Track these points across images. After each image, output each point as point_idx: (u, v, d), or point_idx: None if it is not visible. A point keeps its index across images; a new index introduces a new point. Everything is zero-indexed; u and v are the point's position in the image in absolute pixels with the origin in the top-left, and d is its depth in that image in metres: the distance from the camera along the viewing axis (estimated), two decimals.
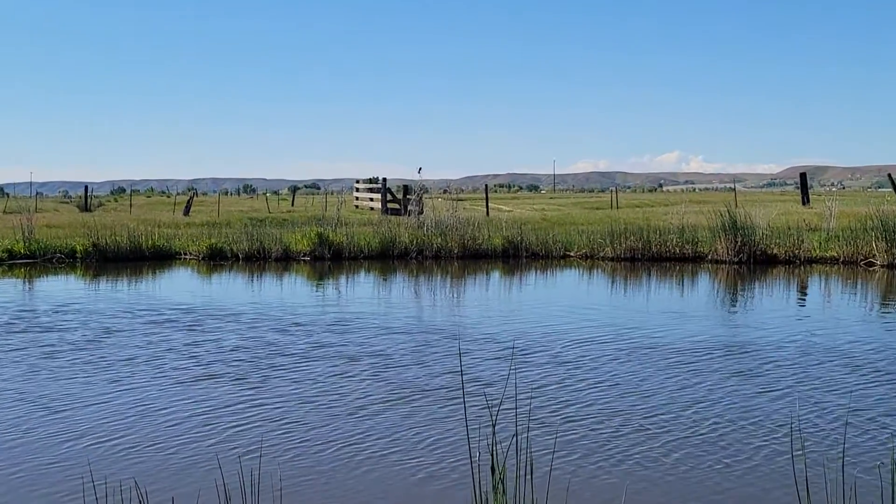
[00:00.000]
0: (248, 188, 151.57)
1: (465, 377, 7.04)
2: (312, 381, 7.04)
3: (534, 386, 6.80)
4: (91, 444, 5.47)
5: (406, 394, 6.62)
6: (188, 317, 10.37)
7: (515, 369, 7.29)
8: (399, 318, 10.41)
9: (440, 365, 7.59)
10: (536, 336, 9.02)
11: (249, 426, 5.81)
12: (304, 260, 17.94)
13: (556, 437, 5.48)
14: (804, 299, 12.60)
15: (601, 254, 17.98)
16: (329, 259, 17.95)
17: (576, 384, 6.92)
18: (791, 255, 16.87)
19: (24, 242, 18.18)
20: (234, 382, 7.02)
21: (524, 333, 9.18)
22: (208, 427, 5.79)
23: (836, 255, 16.75)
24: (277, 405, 6.33)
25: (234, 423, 5.87)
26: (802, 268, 16.21)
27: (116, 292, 13.12)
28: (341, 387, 6.86)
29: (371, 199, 36.96)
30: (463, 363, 7.56)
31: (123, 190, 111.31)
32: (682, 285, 14.13)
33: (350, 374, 7.30)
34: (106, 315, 10.53)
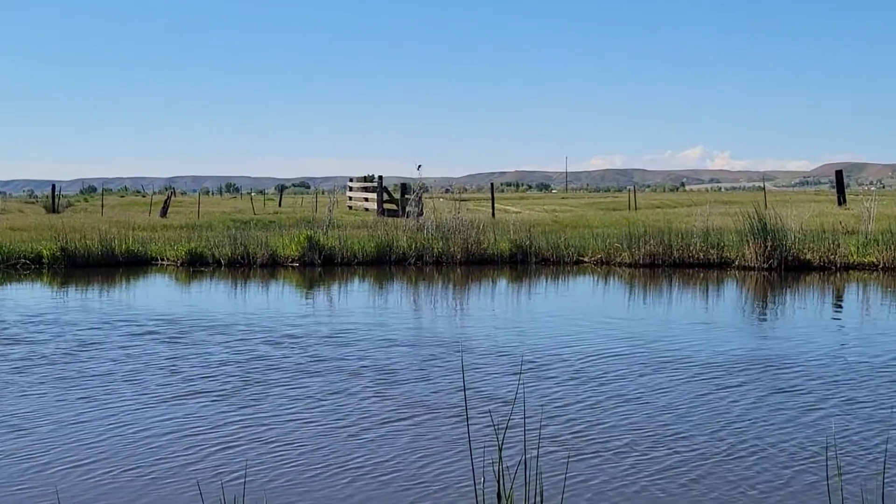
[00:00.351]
0: (231, 187, 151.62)
1: (470, 394, 7.06)
2: (306, 399, 7.07)
3: (545, 404, 6.82)
4: (61, 469, 5.49)
5: (407, 412, 6.64)
6: (169, 328, 10.40)
7: (524, 386, 7.30)
8: (398, 329, 10.43)
9: (444, 381, 7.62)
10: (548, 349, 9.04)
11: (235, 448, 5.84)
12: (292, 266, 17.97)
13: (569, 460, 5.50)
14: (840, 309, 12.61)
15: (618, 259, 18.00)
16: (320, 265, 17.98)
17: (591, 402, 6.95)
18: (826, 260, 16.89)
19: None
20: (220, 400, 7.05)
21: (534, 347, 9.20)
22: (190, 449, 5.81)
23: (875, 260, 16.77)
24: (267, 425, 6.35)
25: (219, 445, 5.89)
26: (838, 275, 16.23)
27: (89, 301, 13.15)
28: (336, 405, 6.88)
29: (366, 200, 37.01)
30: (468, 379, 7.57)
31: (94, 189, 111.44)
32: (707, 294, 14.15)
33: (346, 390, 7.33)
34: (80, 326, 10.56)
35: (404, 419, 6.48)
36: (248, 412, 6.69)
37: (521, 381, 7.44)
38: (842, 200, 31.32)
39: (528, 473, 3.38)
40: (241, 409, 6.77)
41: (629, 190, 55.36)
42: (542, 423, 6.17)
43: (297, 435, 6.12)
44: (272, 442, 5.97)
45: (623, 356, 8.72)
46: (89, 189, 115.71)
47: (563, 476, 5.18)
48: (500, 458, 3.31)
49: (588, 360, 8.50)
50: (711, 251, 17.63)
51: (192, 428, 6.29)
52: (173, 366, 8.31)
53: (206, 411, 6.73)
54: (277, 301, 13.39)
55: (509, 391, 7.20)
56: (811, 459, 5.62)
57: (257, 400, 7.05)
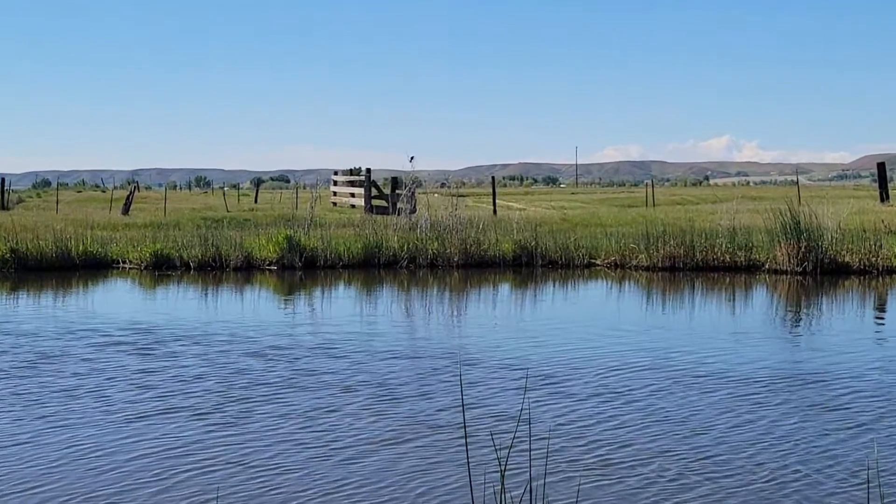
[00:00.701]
0: (201, 181, 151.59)
1: (473, 412, 7.08)
2: (293, 417, 7.08)
3: (553, 423, 6.84)
4: (15, 497, 5.50)
5: (404, 433, 6.67)
6: (138, 338, 10.43)
7: (531, 403, 7.32)
8: (391, 340, 10.45)
9: (444, 397, 7.65)
10: (557, 363, 9.06)
11: (213, 473, 5.85)
12: (269, 269, 17.98)
13: (580, 486, 5.51)
14: (883, 318, 12.65)
15: (634, 262, 18.03)
16: (300, 268, 17.99)
17: (608, 421, 6.97)
18: (867, 263, 16.93)
19: None
20: (196, 419, 7.06)
21: (541, 360, 9.22)
22: (162, 475, 5.82)
23: None
24: (248, 447, 6.37)
25: (195, 470, 5.90)
26: (881, 279, 16.27)
27: (44, 308, 13.15)
28: (326, 424, 6.90)
29: (352, 195, 37.01)
30: (470, 395, 7.59)
31: (48, 183, 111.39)
32: (734, 300, 14.18)
33: (337, 408, 7.35)
34: (37, 336, 10.58)
35: (401, 440, 6.50)
36: (228, 432, 6.71)
37: (526, 398, 7.46)
38: (884, 196, 31.38)
39: (533, 499, 3.39)
40: (220, 429, 6.78)
41: (647, 184, 55.44)
42: (551, 445, 6.19)
43: (283, 458, 6.13)
44: (254, 466, 5.98)
45: (643, 370, 8.75)
46: (42, 183, 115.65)
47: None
48: (503, 485, 3.32)
49: (603, 375, 8.52)
50: (739, 253, 17.66)
51: (164, 450, 6.30)
52: (144, 380, 8.32)
53: (180, 431, 6.74)
54: (256, 308, 13.40)
55: (515, 409, 7.22)
56: (849, 481, 5.65)
57: (238, 418, 7.07)
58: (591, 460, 6.06)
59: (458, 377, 8.27)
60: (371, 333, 10.96)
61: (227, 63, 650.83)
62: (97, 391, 7.92)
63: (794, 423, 6.94)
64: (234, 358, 9.35)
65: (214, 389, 7.98)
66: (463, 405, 4.06)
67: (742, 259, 17.60)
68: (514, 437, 5.87)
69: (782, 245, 17.15)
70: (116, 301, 14.34)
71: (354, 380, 8.33)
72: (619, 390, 7.94)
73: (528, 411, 7.00)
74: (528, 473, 5.46)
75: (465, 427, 4.34)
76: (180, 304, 13.81)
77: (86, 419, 7.06)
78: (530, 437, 6.17)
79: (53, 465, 6.02)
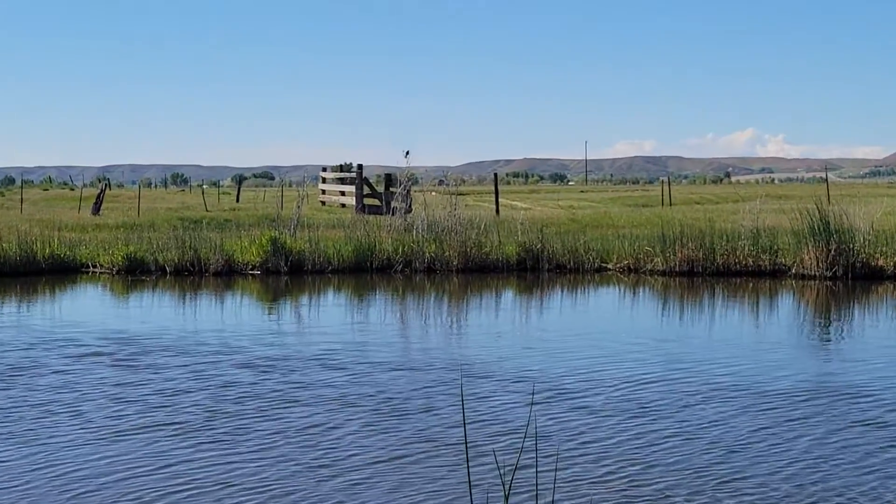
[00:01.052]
0: (177, 178, 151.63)
1: (476, 429, 7.06)
2: (284, 433, 7.08)
3: (566, 441, 6.81)
4: None
5: (403, 450, 6.66)
6: (115, 349, 10.43)
7: (539, 418, 7.30)
8: (386, 351, 10.45)
9: (446, 413, 7.64)
10: (566, 376, 9.04)
11: (200, 494, 5.83)
12: (252, 274, 17.97)
13: None
14: None
15: (649, 266, 18.03)
16: (286, 273, 17.99)
17: (624, 438, 6.95)
18: None
19: None
20: (180, 436, 7.05)
21: (550, 372, 9.20)
22: (142, 495, 5.79)
23: None
24: (236, 466, 6.35)
25: (179, 490, 5.88)
26: None
27: (9, 316, 13.13)
28: (322, 440, 6.89)
29: (342, 194, 37.04)
30: (471, 410, 7.58)
31: (12, 181, 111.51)
32: (758, 308, 14.17)
33: (333, 423, 7.34)
34: (6, 347, 10.58)
35: (405, 459, 6.50)
36: (217, 451, 6.69)
37: (535, 414, 7.43)
38: None
39: None
40: (208, 448, 6.76)
41: (662, 181, 55.50)
42: (564, 465, 6.16)
43: (277, 479, 6.12)
44: (247, 488, 5.97)
45: (659, 383, 8.73)
46: (6, 181, 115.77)
47: None
48: None
49: (618, 389, 8.50)
50: (763, 256, 17.66)
51: (146, 471, 6.28)
52: (123, 395, 8.32)
53: (163, 449, 6.73)
54: (240, 316, 13.39)
55: (523, 425, 7.20)
56: None
57: (228, 436, 7.05)
58: (610, 481, 6.03)
59: (467, 390, 8.25)
60: (367, 344, 10.96)
61: (205, 50, 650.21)
62: (73, 406, 7.90)
63: (836, 441, 6.92)
64: (221, 370, 9.35)
65: (201, 404, 7.97)
66: (465, 422, 4.03)
67: (766, 263, 17.59)
68: (518, 456, 5.85)
69: (810, 248, 17.15)
70: (88, 308, 14.33)
71: (353, 393, 8.34)
72: (638, 405, 7.92)
73: (537, 427, 6.98)
74: (537, 494, 5.44)
75: (465, 445, 4.31)
76: (158, 311, 13.80)
77: (60, 437, 7.04)
78: (537, 455, 6.15)
79: (25, 487, 6.00)
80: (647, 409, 7.79)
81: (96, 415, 7.65)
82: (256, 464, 6.40)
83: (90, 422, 7.44)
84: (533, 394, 8.17)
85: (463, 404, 4.11)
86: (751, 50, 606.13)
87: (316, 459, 6.48)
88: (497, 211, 30.22)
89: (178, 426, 7.30)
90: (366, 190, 33.95)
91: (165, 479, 6.10)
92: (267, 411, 7.74)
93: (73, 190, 62.62)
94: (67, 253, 18.88)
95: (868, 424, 7.34)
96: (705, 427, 7.26)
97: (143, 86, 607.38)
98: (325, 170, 41.69)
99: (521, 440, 6.77)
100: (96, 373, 9.22)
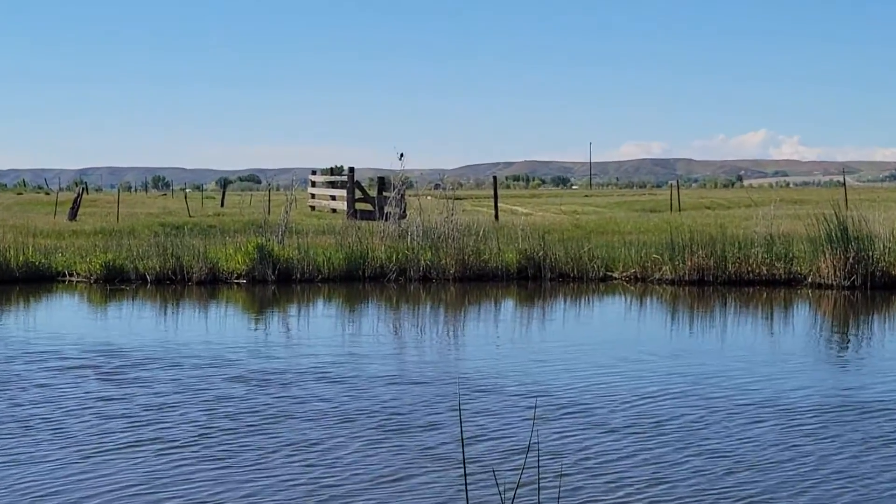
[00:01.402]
0: (159, 182, 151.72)
1: (479, 445, 7.06)
2: (279, 450, 7.09)
3: (571, 459, 6.81)
4: None
5: (404, 468, 6.67)
6: (98, 362, 10.43)
7: (542, 435, 7.29)
8: (382, 364, 10.46)
9: (447, 429, 7.65)
10: (571, 390, 9.05)
11: None
12: (237, 283, 17.97)
13: None
14: None
15: (657, 275, 18.04)
16: (273, 282, 17.98)
17: (631, 455, 6.96)
18: None
19: None
20: (167, 453, 7.05)
21: (554, 387, 9.21)
22: None
23: None
24: (228, 484, 6.36)
25: None
26: None
27: None
28: (321, 457, 6.90)
29: (333, 198, 37.06)
30: (473, 426, 7.58)
31: None
32: (773, 319, 14.18)
33: (332, 440, 7.35)
34: None
35: (405, 477, 6.52)
36: (207, 468, 6.69)
37: (539, 430, 7.43)
38: None
39: None
40: (197, 465, 6.76)
41: (671, 185, 55.56)
42: (570, 483, 6.16)
43: (269, 498, 6.11)
44: None
45: (670, 398, 8.75)
46: None
47: None
48: None
49: (626, 404, 8.51)
50: (777, 264, 17.67)
51: (131, 490, 6.27)
52: (108, 409, 8.33)
53: (153, 466, 6.74)
54: (227, 327, 13.40)
55: (526, 442, 7.20)
56: None
57: (219, 453, 7.06)
58: (617, 500, 6.03)
59: (468, 405, 8.26)
60: (361, 357, 10.97)
61: (187, 47, 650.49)
62: (54, 422, 7.91)
63: (850, 457, 6.94)
64: (210, 384, 9.37)
65: (190, 420, 7.97)
66: (462, 439, 4.03)
67: (781, 271, 17.60)
68: (520, 475, 5.85)
69: (827, 255, 17.16)
70: (67, 319, 14.32)
71: (349, 409, 8.35)
72: (650, 421, 7.93)
73: (543, 444, 6.96)
74: None
75: (464, 464, 4.31)
76: (140, 322, 13.80)
77: (41, 454, 7.04)
78: (539, 473, 6.14)
79: None
80: (660, 426, 7.80)
81: (78, 430, 7.66)
82: (250, 484, 6.40)
83: (71, 437, 7.45)
84: (535, 408, 8.17)
85: (461, 419, 4.11)
86: (764, 47, 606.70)
87: (314, 480, 6.48)
88: (496, 216, 30.23)
89: (165, 443, 7.30)
90: (358, 194, 33.97)
91: (152, 501, 6.09)
92: (260, 427, 7.74)
93: (48, 194, 62.62)
94: (42, 261, 18.86)
95: (886, 440, 7.36)
96: (725, 444, 7.27)
97: (121, 84, 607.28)
98: (314, 173, 41.71)
99: (524, 457, 6.77)
100: (80, 387, 9.23)
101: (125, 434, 7.55)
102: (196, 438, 7.42)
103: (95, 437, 7.49)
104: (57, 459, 6.93)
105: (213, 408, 8.39)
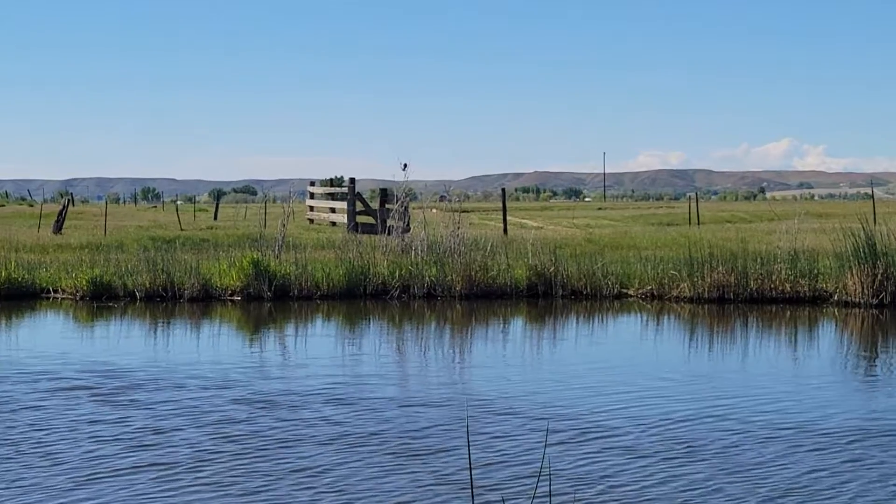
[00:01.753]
0: (149, 193, 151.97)
1: (485, 471, 7.06)
2: (289, 476, 7.11)
3: (592, 489, 6.81)
4: None
5: (422, 495, 6.68)
6: (91, 383, 10.46)
7: (553, 460, 7.29)
8: (391, 386, 10.51)
9: (454, 454, 7.66)
10: (584, 414, 9.05)
11: None
12: (232, 300, 17.98)
13: None
14: None
15: (675, 292, 18.03)
16: (270, 299, 17.99)
17: (656, 484, 6.95)
18: None
19: None
20: (163, 478, 7.07)
21: (569, 411, 9.21)
22: None
23: None
24: None
25: None
26: None
27: None
28: (332, 483, 6.91)
29: (332, 210, 37.12)
30: (487, 450, 7.58)
31: None
32: (797, 339, 14.17)
33: (344, 465, 7.36)
34: None
35: (412, 503, 6.51)
36: (210, 495, 6.71)
37: (556, 456, 7.44)
38: None
39: None
40: (194, 491, 6.78)
41: (689, 198, 55.58)
42: None
43: None
44: None
45: (690, 422, 8.76)
46: None
47: None
48: None
49: (647, 429, 8.52)
50: (801, 281, 17.66)
51: None
52: (102, 433, 8.35)
53: (145, 493, 6.74)
54: (223, 347, 13.39)
55: (530, 472, 7.20)
56: None
57: (217, 478, 7.07)
58: None
59: (483, 429, 8.29)
60: (364, 378, 11.02)
61: (179, 52, 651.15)
62: (45, 446, 7.94)
63: (893, 486, 6.95)
64: (209, 406, 9.41)
65: (190, 443, 8.00)
66: (470, 465, 4.04)
67: (806, 289, 17.58)
68: (532, 502, 5.86)
69: (854, 272, 17.15)
70: (54, 338, 14.32)
71: (359, 432, 8.38)
72: (674, 446, 7.94)
73: (557, 470, 6.97)
74: None
75: (472, 491, 4.31)
76: (131, 342, 13.81)
77: (31, 480, 7.05)
78: (551, 500, 6.15)
79: None
80: (689, 451, 7.81)
81: (72, 455, 7.67)
82: None
83: (64, 462, 7.46)
84: (547, 432, 8.17)
85: (469, 444, 4.12)
86: (788, 51, 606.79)
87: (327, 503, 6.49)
88: (505, 230, 30.27)
89: (163, 469, 7.32)
90: (359, 206, 34.00)
91: None
92: (261, 451, 7.76)
93: (31, 206, 62.74)
94: (26, 276, 18.88)
95: None
96: (750, 470, 7.29)
97: (109, 92, 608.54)
98: (313, 184, 41.75)
99: (535, 483, 6.77)
100: (72, 409, 9.25)
101: (120, 459, 7.56)
102: (197, 464, 7.42)
103: (89, 462, 7.49)
104: (50, 486, 6.92)
105: (213, 431, 8.40)
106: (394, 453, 7.72)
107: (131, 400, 9.69)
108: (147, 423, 8.72)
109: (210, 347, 13.41)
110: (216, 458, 7.56)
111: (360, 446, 7.92)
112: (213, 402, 9.59)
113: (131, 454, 7.69)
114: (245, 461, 7.49)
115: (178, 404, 9.46)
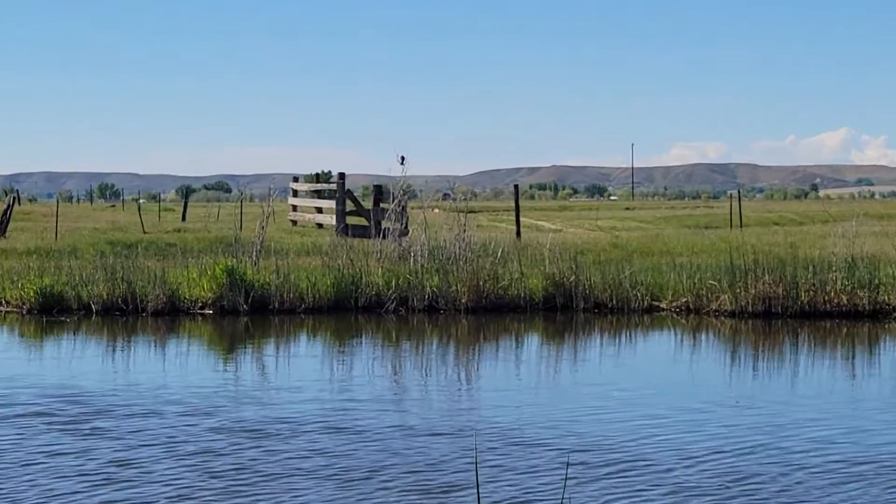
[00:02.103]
0: (107, 190, 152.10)
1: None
2: None
3: None
4: None
5: None
6: (48, 409, 10.46)
7: (573, 495, 7.31)
8: (381, 414, 10.49)
9: (467, 488, 7.68)
10: (616, 445, 9.06)
11: None
12: (202, 314, 17.96)
13: None
14: None
15: (714, 305, 18.01)
16: (246, 313, 17.95)
17: None
18: None
19: None
20: None
21: (592, 442, 9.22)
22: None
23: None
24: None
25: None
26: None
27: None
28: None
29: (319, 210, 37.11)
30: (500, 482, 7.59)
31: None
32: (855, 358, 14.17)
33: (342, 499, 7.40)
34: None
35: None
36: None
37: (581, 492, 7.45)
38: None
39: None
40: None
41: (731, 196, 55.59)
42: None
43: None
44: None
45: (739, 454, 8.77)
46: None
47: None
48: None
49: (686, 460, 8.55)
50: (860, 293, 17.63)
51: None
52: (66, 465, 8.37)
53: None
54: (192, 368, 13.40)
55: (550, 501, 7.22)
56: None
57: None
58: None
59: (496, 462, 8.30)
60: (360, 403, 11.05)
61: (141, 35, 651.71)
62: (14, 476, 7.98)
63: None
64: (190, 435, 9.41)
65: (165, 478, 7.99)
66: (479, 495, 4.07)
67: (865, 301, 17.57)
68: None
69: None
70: (3, 358, 14.30)
71: (357, 465, 8.41)
72: (714, 481, 7.96)
73: None
74: None
75: None
76: (88, 361, 13.82)
77: None
78: None
79: None
80: (733, 486, 7.81)
81: (28, 494, 7.65)
82: None
83: (19, 503, 7.45)
84: (567, 465, 8.18)
85: (477, 480, 4.14)
86: (842, 30, 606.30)
87: None
88: (518, 233, 30.27)
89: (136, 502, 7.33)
90: (349, 206, 33.98)
91: None
92: (251, 488, 7.75)
93: None
94: None
95: None
96: None
97: (61, 78, 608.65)
98: (296, 180, 41.80)
99: None
100: (27, 439, 9.25)
101: (86, 498, 7.55)
102: (174, 500, 7.42)
103: (48, 501, 7.49)
104: None
105: (193, 464, 8.39)
106: (397, 489, 7.72)
107: (94, 428, 9.67)
108: (116, 455, 8.70)
109: (179, 368, 13.42)
110: (196, 494, 7.56)
111: (358, 481, 7.92)
112: (191, 431, 9.58)
113: (99, 492, 7.68)
114: (228, 498, 7.50)
115: (150, 434, 9.44)
